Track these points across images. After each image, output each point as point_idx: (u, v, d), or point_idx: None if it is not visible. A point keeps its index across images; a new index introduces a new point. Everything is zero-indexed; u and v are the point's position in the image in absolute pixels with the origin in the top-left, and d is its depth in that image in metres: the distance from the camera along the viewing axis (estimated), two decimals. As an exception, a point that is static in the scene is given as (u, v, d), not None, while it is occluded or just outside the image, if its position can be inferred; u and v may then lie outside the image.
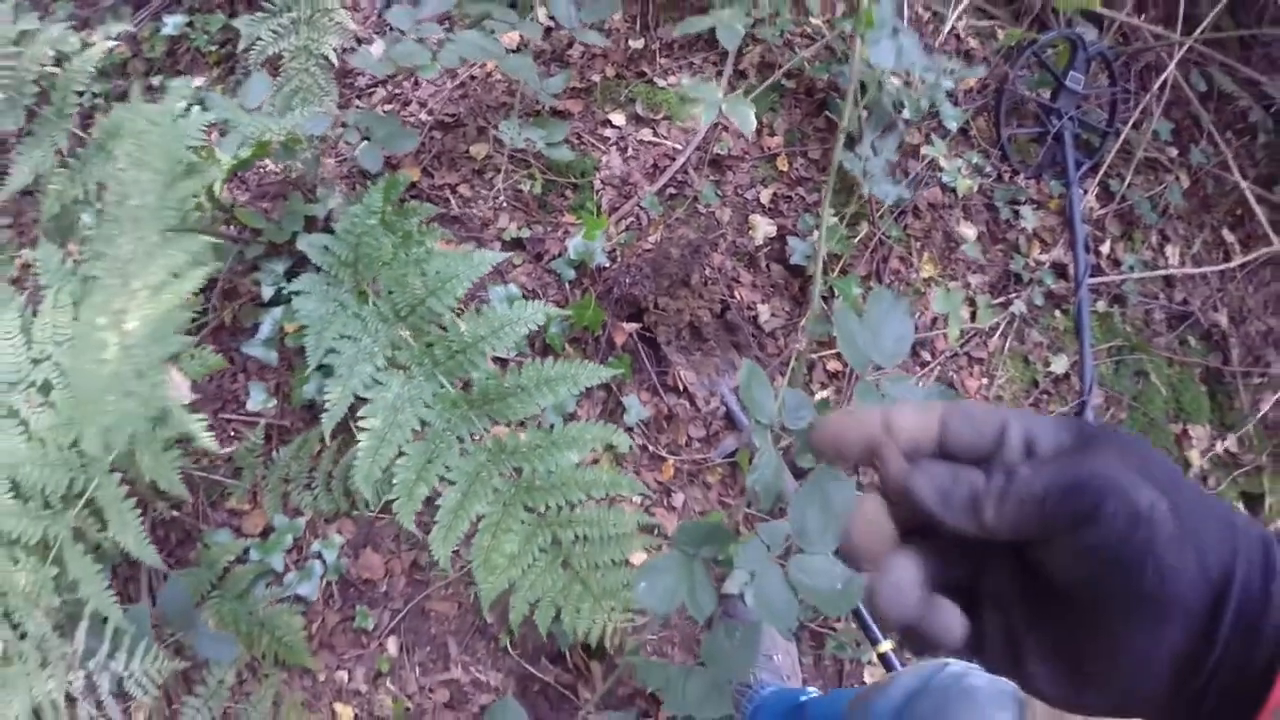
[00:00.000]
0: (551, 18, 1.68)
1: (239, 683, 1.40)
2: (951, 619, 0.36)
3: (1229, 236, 2.11)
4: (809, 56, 1.80)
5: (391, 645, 1.53)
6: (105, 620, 1.05)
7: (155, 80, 1.74)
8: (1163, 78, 1.70)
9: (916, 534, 0.38)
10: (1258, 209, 1.78)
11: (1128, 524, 0.31)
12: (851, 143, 1.57)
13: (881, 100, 1.61)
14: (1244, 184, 1.75)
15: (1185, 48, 1.76)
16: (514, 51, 1.44)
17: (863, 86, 1.60)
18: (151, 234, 0.82)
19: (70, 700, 1.04)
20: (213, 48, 1.76)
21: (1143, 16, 2.05)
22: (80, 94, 1.23)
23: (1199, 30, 1.76)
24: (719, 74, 1.83)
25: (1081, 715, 0.36)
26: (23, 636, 1.05)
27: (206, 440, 0.96)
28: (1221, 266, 1.96)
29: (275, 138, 1.20)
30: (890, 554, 0.37)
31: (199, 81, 1.70)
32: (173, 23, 1.82)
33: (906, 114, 1.68)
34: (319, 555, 1.47)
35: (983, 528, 0.35)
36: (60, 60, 1.28)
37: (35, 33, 1.25)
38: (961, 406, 0.37)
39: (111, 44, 1.34)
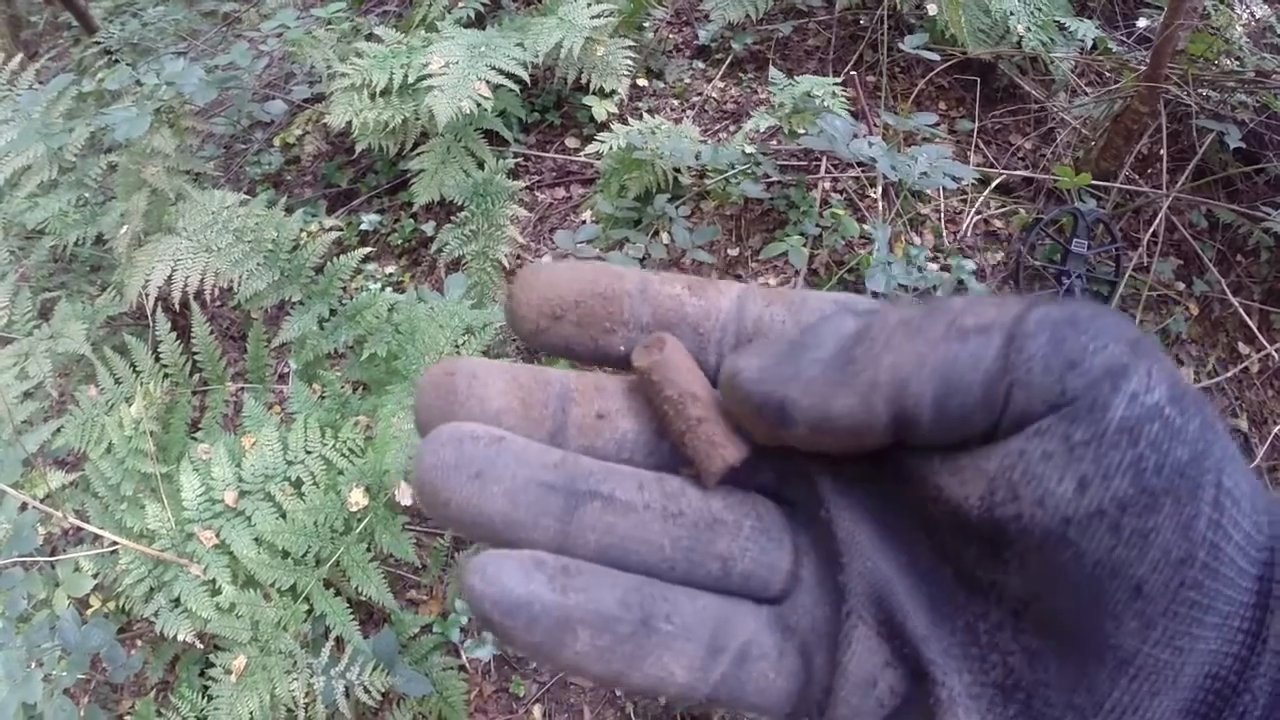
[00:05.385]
0: (671, 239, 2.18)
1: (408, 729, 1.75)
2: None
3: (1244, 349, 2.40)
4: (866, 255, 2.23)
5: (537, 711, 1.89)
6: (339, 641, 1.45)
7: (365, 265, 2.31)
8: (1152, 228, 2.06)
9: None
10: (1248, 319, 2.08)
11: (1172, 409, 0.16)
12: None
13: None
14: (1235, 301, 2.06)
15: (1170, 198, 2.14)
16: (640, 260, 1.93)
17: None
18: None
19: (309, 699, 1.41)
20: (400, 242, 2.33)
21: (1148, 171, 2.44)
22: (347, 278, 1.66)
23: (1179, 184, 2.14)
24: (797, 273, 2.29)
25: None
26: (266, 653, 1.42)
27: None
28: (1232, 373, 2.25)
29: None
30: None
31: (390, 269, 2.26)
32: (369, 220, 2.40)
33: (939, 293, 2.08)
34: (491, 630, 1.88)
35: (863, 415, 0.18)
36: (298, 245, 1.74)
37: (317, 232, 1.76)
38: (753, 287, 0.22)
39: (333, 235, 1.73)
